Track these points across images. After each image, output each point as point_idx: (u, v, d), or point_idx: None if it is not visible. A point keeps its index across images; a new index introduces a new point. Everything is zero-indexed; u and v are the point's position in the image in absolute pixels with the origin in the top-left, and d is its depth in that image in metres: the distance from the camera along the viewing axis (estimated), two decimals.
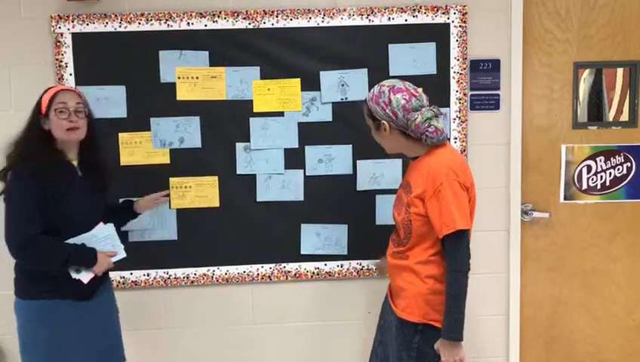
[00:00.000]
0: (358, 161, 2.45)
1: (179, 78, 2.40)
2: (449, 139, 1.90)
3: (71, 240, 1.95)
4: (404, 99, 1.84)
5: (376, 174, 2.47)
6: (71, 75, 2.37)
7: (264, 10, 2.39)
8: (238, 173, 2.45)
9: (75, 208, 1.96)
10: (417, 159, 1.92)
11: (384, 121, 1.87)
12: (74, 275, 1.94)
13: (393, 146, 1.94)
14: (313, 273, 2.51)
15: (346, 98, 2.42)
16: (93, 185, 2.05)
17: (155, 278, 2.47)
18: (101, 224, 2.05)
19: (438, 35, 2.44)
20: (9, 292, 2.43)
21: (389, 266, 2.03)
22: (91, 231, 2.00)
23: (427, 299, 1.86)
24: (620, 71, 2.55)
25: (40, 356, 1.94)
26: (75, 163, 2.02)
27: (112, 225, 2.09)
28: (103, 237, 2.03)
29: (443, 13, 2.43)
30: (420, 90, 1.91)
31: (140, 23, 2.37)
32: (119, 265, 2.12)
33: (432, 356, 1.86)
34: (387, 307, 2.05)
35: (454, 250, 1.79)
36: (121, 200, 2.34)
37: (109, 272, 2.13)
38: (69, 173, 1.99)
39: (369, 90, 1.97)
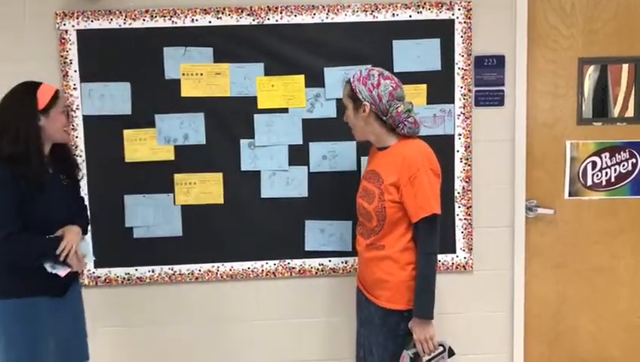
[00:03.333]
0: (362, 158, 2.45)
1: (183, 74, 2.40)
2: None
3: (47, 237, 1.94)
4: (392, 86, 1.92)
5: None
6: (75, 71, 2.37)
7: (268, 7, 2.39)
8: (242, 169, 2.46)
9: (49, 209, 1.94)
10: (386, 150, 1.97)
11: (366, 103, 1.92)
12: (49, 270, 1.94)
13: (366, 131, 2.00)
14: (317, 269, 2.51)
15: None
16: (63, 180, 2.04)
17: (159, 274, 2.48)
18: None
19: (442, 31, 2.43)
20: None
21: (362, 260, 2.07)
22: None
23: (409, 286, 1.93)
24: (625, 67, 2.54)
25: (20, 353, 1.94)
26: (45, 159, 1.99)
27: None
28: None
29: (447, 9, 2.42)
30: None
31: (144, 20, 2.37)
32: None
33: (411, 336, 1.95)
34: (364, 300, 2.07)
35: (428, 233, 1.89)
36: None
37: (78, 272, 2.09)
38: (45, 172, 1.96)
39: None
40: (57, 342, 2.01)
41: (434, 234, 1.90)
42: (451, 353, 1.96)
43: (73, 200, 2.12)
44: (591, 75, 2.55)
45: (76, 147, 2.38)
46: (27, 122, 1.87)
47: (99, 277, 2.47)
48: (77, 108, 2.38)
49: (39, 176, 1.88)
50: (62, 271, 1.96)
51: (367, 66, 2.02)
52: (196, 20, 2.38)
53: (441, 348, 1.93)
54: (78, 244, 1.97)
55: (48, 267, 1.94)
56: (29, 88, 1.94)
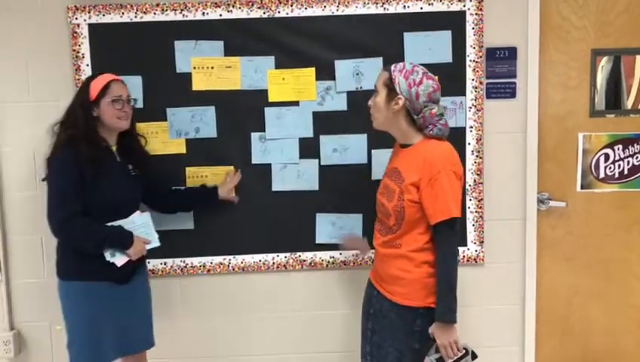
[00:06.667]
0: (373, 151, 2.45)
1: (194, 68, 2.41)
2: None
3: (109, 225, 2.03)
4: (433, 87, 1.88)
5: None
6: (87, 65, 2.38)
7: None
8: (253, 162, 2.46)
9: (112, 193, 2.05)
10: (409, 147, 1.94)
11: (401, 97, 1.87)
12: (108, 258, 2.01)
13: (389, 123, 1.95)
14: (328, 262, 2.52)
15: (361, 87, 2.42)
16: (131, 170, 2.15)
17: (171, 267, 2.50)
18: (138, 212, 2.13)
19: (453, 23, 2.42)
20: (33, 281, 2.48)
21: (378, 255, 2.06)
22: (129, 218, 2.08)
23: (424, 283, 1.91)
24: (638, 58, 2.51)
25: (79, 334, 2.05)
26: (114, 148, 2.13)
27: (148, 213, 2.18)
28: (139, 224, 2.11)
29: (459, 0, 2.41)
30: None
31: (155, 14, 2.38)
32: (154, 253, 2.22)
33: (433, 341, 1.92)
34: (375, 294, 2.05)
35: (446, 236, 1.86)
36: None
37: (145, 259, 2.23)
38: (110, 158, 2.08)
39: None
40: (117, 328, 2.08)
41: (452, 238, 1.87)
42: (474, 356, 1.91)
43: (136, 189, 2.19)
44: (604, 66, 2.53)
45: None
46: (80, 111, 2.04)
47: None
48: None
49: (92, 159, 1.98)
50: (119, 261, 2.02)
51: (410, 61, 1.94)
52: (207, 14, 2.39)
53: (464, 351, 1.89)
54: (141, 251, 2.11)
55: (107, 255, 2.00)
56: (85, 81, 2.11)
